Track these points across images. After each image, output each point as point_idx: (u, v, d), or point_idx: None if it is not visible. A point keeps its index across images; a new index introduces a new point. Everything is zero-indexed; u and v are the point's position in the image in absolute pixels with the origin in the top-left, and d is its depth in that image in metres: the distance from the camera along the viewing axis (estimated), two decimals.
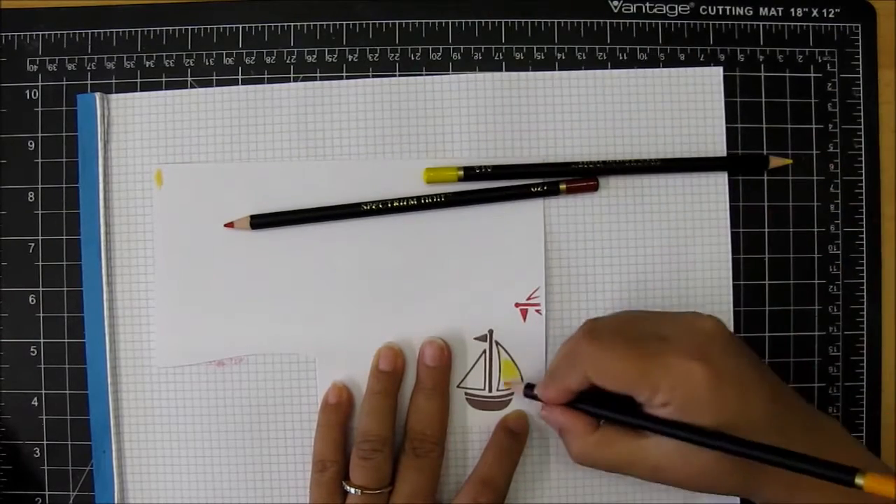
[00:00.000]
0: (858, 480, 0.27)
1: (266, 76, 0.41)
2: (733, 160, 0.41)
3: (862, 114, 0.41)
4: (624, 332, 0.35)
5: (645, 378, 0.33)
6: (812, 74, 0.41)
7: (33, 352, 0.41)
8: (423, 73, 0.41)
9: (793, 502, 0.33)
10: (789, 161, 0.41)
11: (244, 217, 0.40)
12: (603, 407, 0.35)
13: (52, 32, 0.41)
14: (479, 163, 0.40)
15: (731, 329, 0.41)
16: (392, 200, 0.39)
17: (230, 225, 0.40)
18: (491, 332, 0.40)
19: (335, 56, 0.41)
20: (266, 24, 0.41)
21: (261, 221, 0.40)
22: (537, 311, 0.40)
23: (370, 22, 0.41)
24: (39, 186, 0.41)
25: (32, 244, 0.41)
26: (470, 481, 0.38)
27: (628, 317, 0.37)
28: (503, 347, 0.40)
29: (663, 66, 0.41)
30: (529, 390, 0.38)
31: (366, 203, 0.40)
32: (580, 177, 0.40)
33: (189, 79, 0.41)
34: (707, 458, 0.32)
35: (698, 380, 0.32)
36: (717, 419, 0.32)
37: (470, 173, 0.40)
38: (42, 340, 0.41)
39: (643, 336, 0.34)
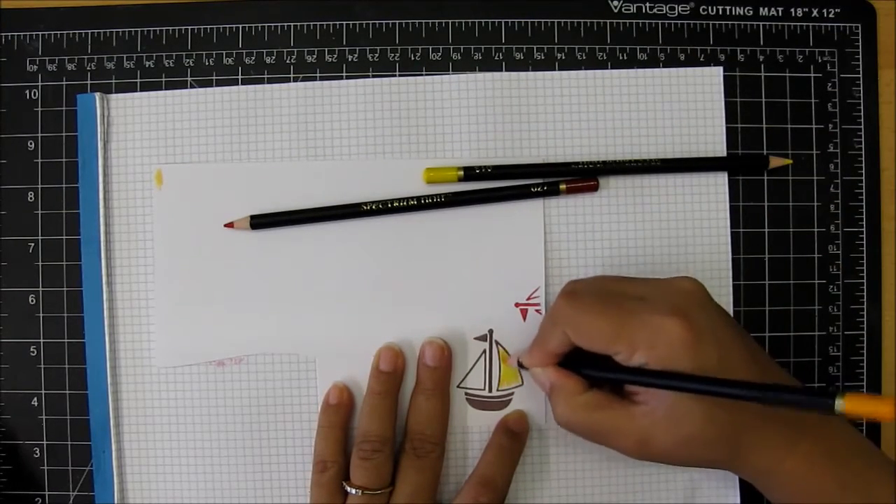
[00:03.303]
0: (839, 402, 0.26)
1: (266, 76, 0.41)
2: (733, 160, 0.41)
3: (862, 114, 0.41)
4: (603, 292, 0.35)
5: (622, 336, 0.33)
6: (812, 74, 0.41)
7: (33, 352, 0.41)
8: (423, 73, 0.41)
9: (780, 469, 0.33)
10: (789, 161, 0.41)
11: (244, 217, 0.40)
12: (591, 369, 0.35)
13: (52, 32, 0.41)
14: (479, 163, 0.40)
15: None
16: (392, 200, 0.39)
17: (230, 225, 0.40)
18: (491, 332, 0.40)
19: (335, 56, 0.41)
20: (266, 24, 0.41)
21: (261, 222, 0.40)
22: (537, 311, 0.40)
23: (370, 22, 0.41)
24: (39, 186, 0.41)
25: (32, 244, 0.41)
26: (470, 481, 0.38)
27: (608, 279, 0.37)
28: (503, 347, 0.40)
29: (663, 66, 0.41)
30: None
31: (366, 203, 0.40)
32: (580, 177, 0.40)
33: (189, 79, 0.41)
34: (695, 424, 0.32)
35: (676, 336, 0.32)
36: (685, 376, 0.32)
37: (470, 173, 0.40)
38: (42, 340, 0.41)
39: (621, 296, 0.34)
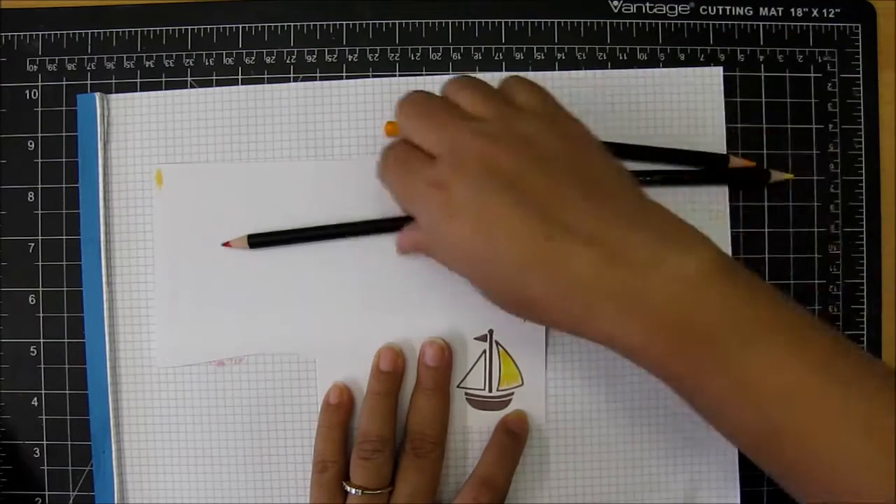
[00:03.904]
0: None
1: (266, 76, 0.41)
2: (734, 173, 0.40)
3: (862, 114, 0.41)
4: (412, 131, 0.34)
5: (407, 203, 0.34)
6: (812, 74, 0.41)
7: (33, 352, 0.41)
8: (423, 73, 0.41)
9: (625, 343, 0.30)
10: (790, 176, 0.41)
11: (242, 237, 0.40)
12: None
13: (52, 32, 0.41)
14: None
15: None
16: (389, 221, 0.39)
17: (228, 244, 0.40)
18: (491, 332, 0.40)
19: (335, 56, 0.41)
20: (266, 24, 0.41)
21: (259, 241, 0.40)
22: None
23: (370, 22, 0.41)
24: (39, 186, 0.41)
25: (32, 244, 0.41)
26: (470, 481, 0.38)
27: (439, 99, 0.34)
28: (503, 347, 0.40)
29: (663, 66, 0.41)
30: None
31: (365, 225, 0.40)
32: None
33: (189, 79, 0.41)
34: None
35: (433, 210, 0.31)
36: (451, 253, 0.32)
37: None
38: (42, 340, 0.41)
39: (418, 154, 0.33)
